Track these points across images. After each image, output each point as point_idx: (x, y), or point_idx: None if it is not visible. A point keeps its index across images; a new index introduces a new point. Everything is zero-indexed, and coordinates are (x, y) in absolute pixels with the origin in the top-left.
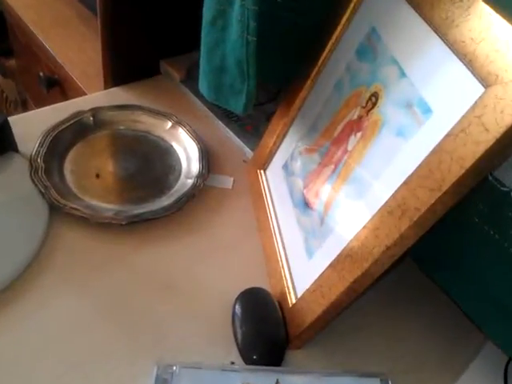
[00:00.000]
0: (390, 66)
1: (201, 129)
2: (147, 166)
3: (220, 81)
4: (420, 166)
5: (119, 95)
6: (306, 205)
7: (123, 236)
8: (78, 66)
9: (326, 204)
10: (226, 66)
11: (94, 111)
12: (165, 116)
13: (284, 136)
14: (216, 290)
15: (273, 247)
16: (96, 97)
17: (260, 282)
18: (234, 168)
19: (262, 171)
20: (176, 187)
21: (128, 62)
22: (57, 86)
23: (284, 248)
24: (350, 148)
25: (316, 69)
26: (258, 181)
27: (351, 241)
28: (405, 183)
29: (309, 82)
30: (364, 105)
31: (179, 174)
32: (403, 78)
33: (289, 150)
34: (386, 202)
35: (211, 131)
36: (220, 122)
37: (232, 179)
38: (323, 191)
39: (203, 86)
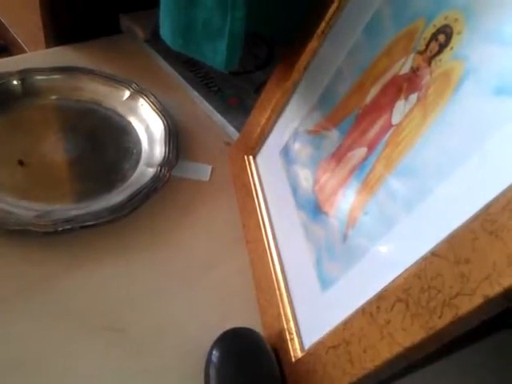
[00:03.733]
0: None
1: (170, 101)
2: (94, 148)
3: (190, 16)
4: None
5: (64, 56)
6: (317, 207)
7: (48, 250)
8: (27, 29)
9: (353, 209)
10: None
11: (24, 74)
12: (121, 83)
13: (283, 108)
14: (183, 332)
15: (266, 268)
16: (31, 57)
17: (248, 321)
18: (212, 153)
19: (250, 157)
20: (132, 178)
21: (77, 15)
22: (3, 54)
23: (283, 270)
24: (395, 120)
25: (335, 5)
26: (246, 171)
27: (406, 275)
28: None
29: (323, 25)
30: (423, 48)
31: (137, 161)
32: None
33: (290, 127)
34: (487, 211)
35: (183, 104)
36: (195, 93)
37: (210, 168)
38: (347, 189)
39: (165, 27)
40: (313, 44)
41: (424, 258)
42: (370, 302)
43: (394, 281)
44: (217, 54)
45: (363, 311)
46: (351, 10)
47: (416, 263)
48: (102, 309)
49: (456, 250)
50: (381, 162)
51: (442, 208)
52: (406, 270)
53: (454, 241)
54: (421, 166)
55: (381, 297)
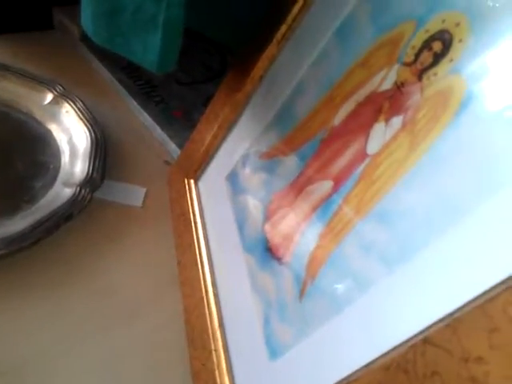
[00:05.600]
0: None
1: (101, 109)
2: (1, 161)
3: (116, 1)
4: None
5: None
6: (267, 251)
7: None
8: None
9: (313, 260)
10: None
11: None
12: (43, 84)
13: (232, 125)
14: None
15: (202, 321)
16: None
17: None
18: (148, 174)
19: (192, 181)
20: (43, 200)
21: (1, 4)
22: None
23: (222, 326)
24: (372, 149)
25: (299, 4)
26: (186, 197)
27: (384, 364)
28: None
29: (283, 28)
30: (411, 59)
31: (54, 178)
32: None
33: (240, 148)
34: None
35: (118, 114)
36: (134, 102)
37: (144, 191)
38: (306, 232)
39: (86, 14)
40: (271, 50)
41: (412, 345)
42: None
43: (367, 367)
44: (148, 51)
45: None
46: (319, 11)
47: (400, 349)
48: None
49: (463, 340)
50: (351, 201)
51: (438, 273)
52: (385, 355)
53: (460, 326)
54: (405, 212)
55: None
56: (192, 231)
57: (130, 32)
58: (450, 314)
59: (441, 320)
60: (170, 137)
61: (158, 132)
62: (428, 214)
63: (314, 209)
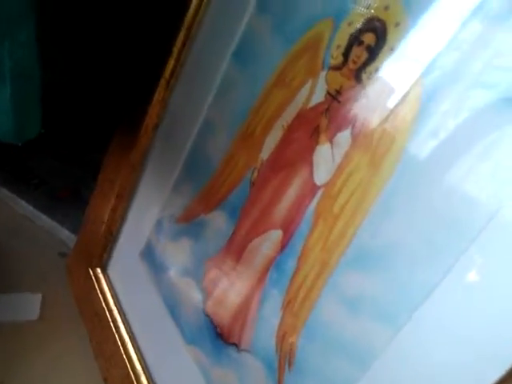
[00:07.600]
0: None
1: None
2: None
3: None
4: None
5: None
6: (217, 338)
7: None
8: None
9: (283, 337)
10: None
11: None
12: None
13: (134, 191)
14: None
15: None
16: None
17: None
18: (40, 274)
19: (98, 270)
20: None
21: None
22: None
23: None
24: (320, 179)
25: (182, 35)
26: (95, 291)
27: None
28: None
29: (170, 63)
30: (339, 60)
31: None
32: None
33: (150, 216)
34: None
35: None
36: (5, 192)
37: (39, 298)
38: (264, 303)
39: None
40: (160, 93)
41: None
42: None
43: None
44: None
45: None
46: (209, 36)
47: None
48: None
49: None
50: (312, 249)
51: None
52: None
53: None
54: (392, 247)
55: None
56: (113, 334)
57: None
58: None
59: None
60: (60, 223)
61: (44, 220)
62: (431, 238)
63: (266, 269)
